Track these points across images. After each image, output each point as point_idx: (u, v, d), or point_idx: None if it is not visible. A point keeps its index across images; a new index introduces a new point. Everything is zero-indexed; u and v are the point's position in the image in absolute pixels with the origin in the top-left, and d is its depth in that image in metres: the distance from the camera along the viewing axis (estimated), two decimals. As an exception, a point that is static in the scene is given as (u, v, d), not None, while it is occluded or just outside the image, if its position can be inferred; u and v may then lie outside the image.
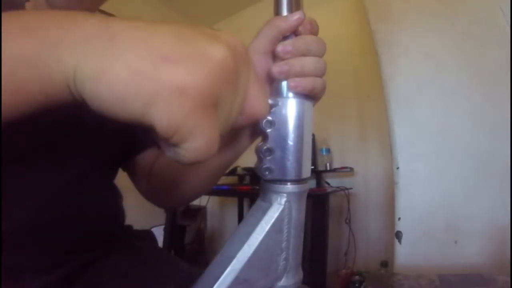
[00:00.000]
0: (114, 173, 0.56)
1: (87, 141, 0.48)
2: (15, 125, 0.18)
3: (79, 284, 0.44)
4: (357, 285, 1.28)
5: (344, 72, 1.86)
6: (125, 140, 0.53)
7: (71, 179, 0.44)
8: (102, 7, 0.55)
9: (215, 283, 0.21)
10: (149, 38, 0.17)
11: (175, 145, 0.17)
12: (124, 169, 0.58)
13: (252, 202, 2.06)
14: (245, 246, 0.23)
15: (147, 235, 0.60)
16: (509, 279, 0.75)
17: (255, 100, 0.22)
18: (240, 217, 2.09)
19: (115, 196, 0.55)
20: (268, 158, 0.25)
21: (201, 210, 2.13)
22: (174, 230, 1.90)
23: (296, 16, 0.28)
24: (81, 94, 0.17)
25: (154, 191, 0.53)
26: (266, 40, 0.29)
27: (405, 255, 1.09)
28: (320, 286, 1.50)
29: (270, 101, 0.25)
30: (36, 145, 0.42)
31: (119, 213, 0.55)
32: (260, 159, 0.26)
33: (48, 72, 0.17)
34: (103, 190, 0.51)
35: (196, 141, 0.17)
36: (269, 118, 0.25)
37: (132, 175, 0.56)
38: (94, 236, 0.47)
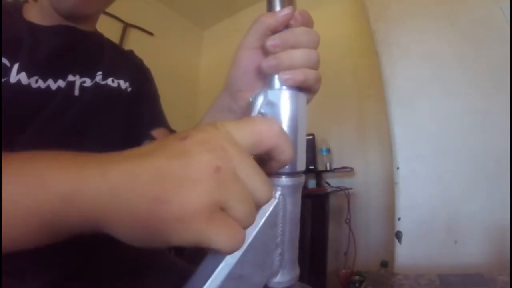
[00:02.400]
0: None
1: (85, 140, 0.48)
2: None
3: (79, 283, 0.44)
4: (357, 285, 1.28)
5: (344, 72, 1.86)
6: (121, 136, 0.54)
7: None
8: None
9: (209, 277, 0.21)
10: (140, 186, 0.18)
11: (210, 246, 0.18)
12: None
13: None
14: None
15: None
16: (509, 279, 0.75)
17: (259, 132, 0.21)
18: (240, 217, 2.08)
19: None
20: None
21: (201, 210, 2.13)
22: (174, 230, 1.90)
23: (284, 12, 0.27)
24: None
25: None
26: (255, 36, 0.30)
27: (405, 255, 1.09)
28: (320, 286, 1.50)
29: (261, 94, 0.25)
30: (34, 145, 0.42)
31: None
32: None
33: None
34: None
35: (220, 242, 0.18)
36: (262, 110, 0.25)
37: None
38: (93, 236, 0.47)
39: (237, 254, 0.22)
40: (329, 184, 1.77)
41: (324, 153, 1.78)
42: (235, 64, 0.33)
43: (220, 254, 0.21)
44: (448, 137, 1.11)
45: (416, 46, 1.19)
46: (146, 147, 0.20)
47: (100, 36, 0.60)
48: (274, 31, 0.28)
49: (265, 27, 0.29)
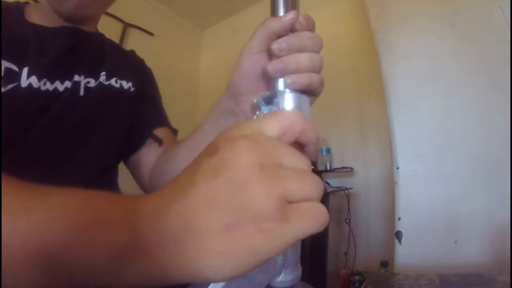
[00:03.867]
0: (115, 170, 0.57)
1: (89, 139, 0.48)
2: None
3: None
4: (357, 285, 1.27)
5: (344, 72, 1.86)
6: (126, 132, 0.55)
7: (69, 178, 0.45)
8: None
9: None
10: (202, 223, 0.17)
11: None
12: (127, 166, 0.59)
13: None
14: None
15: None
16: (509, 279, 0.75)
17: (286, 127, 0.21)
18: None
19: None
20: None
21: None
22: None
23: (289, 16, 0.28)
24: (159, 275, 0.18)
25: (156, 187, 0.54)
26: (260, 40, 0.30)
27: (405, 255, 1.09)
28: (320, 286, 1.50)
29: (266, 94, 0.26)
30: (40, 144, 0.42)
31: None
32: None
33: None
34: (102, 187, 0.52)
35: (310, 229, 0.17)
36: (265, 112, 0.26)
37: (135, 171, 0.58)
38: None
39: None
40: (329, 184, 1.77)
41: (324, 153, 1.78)
42: (239, 67, 0.33)
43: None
44: (448, 137, 1.10)
45: (416, 46, 1.19)
46: (179, 178, 0.19)
47: (101, 37, 0.61)
48: (279, 36, 0.29)
49: (270, 31, 0.29)
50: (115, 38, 1.91)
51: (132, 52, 0.67)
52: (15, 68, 0.42)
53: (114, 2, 0.55)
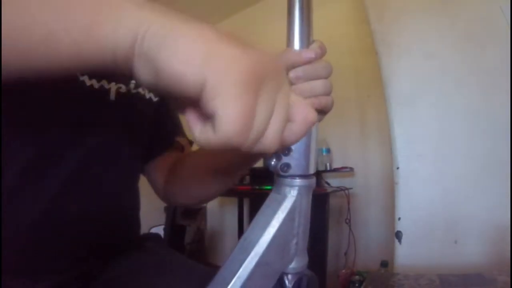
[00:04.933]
0: (137, 174, 0.58)
1: (113, 139, 0.49)
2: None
3: (96, 282, 0.45)
4: (357, 285, 1.28)
5: (344, 72, 1.85)
6: (149, 139, 0.55)
7: (94, 178, 0.45)
8: None
9: (241, 265, 0.25)
10: (214, 30, 0.19)
11: (213, 110, 0.18)
12: (144, 172, 0.60)
13: (252, 202, 2.06)
14: (266, 233, 0.27)
15: (155, 237, 0.63)
16: (509, 279, 0.75)
17: (301, 107, 0.22)
18: (240, 217, 2.08)
19: (135, 200, 0.57)
20: (287, 156, 0.29)
21: (201, 210, 2.13)
22: (174, 230, 1.90)
23: (309, 54, 0.31)
24: (140, 59, 0.19)
25: (171, 191, 0.56)
26: None
27: (405, 255, 1.09)
28: (320, 286, 1.49)
29: None
30: (60, 142, 0.42)
31: (137, 220, 0.57)
32: (279, 157, 0.30)
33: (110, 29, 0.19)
34: (124, 192, 0.53)
35: (233, 108, 0.17)
36: None
37: (151, 175, 0.59)
38: (111, 240, 0.48)
39: (265, 244, 0.26)
40: (329, 184, 1.77)
41: (324, 153, 1.78)
42: None
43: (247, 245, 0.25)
44: (448, 136, 1.11)
45: (416, 46, 1.19)
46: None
47: None
48: (296, 66, 0.32)
49: (290, 64, 0.32)
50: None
51: None
52: None
53: None
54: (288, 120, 0.21)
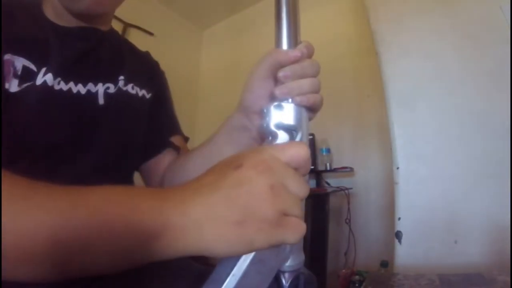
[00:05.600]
0: (131, 175, 0.57)
1: (108, 143, 0.48)
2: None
3: (96, 282, 0.45)
4: (357, 285, 1.27)
5: (343, 72, 1.86)
6: (144, 141, 0.55)
7: (90, 178, 0.45)
8: None
9: (236, 263, 0.25)
10: (220, 215, 0.23)
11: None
12: (139, 170, 0.59)
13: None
14: None
15: None
16: (509, 279, 0.75)
17: (295, 155, 0.26)
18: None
19: None
20: None
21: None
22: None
23: (295, 53, 0.33)
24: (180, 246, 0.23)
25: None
26: (267, 68, 0.36)
27: (405, 255, 1.09)
28: (320, 286, 1.49)
29: (275, 104, 0.31)
30: (56, 145, 0.42)
31: None
32: None
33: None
34: None
35: (292, 237, 0.24)
36: (278, 120, 0.30)
37: (146, 176, 0.59)
38: None
39: None
40: (329, 184, 1.77)
41: (324, 153, 1.77)
42: (249, 90, 0.39)
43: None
44: (448, 137, 1.11)
45: (416, 45, 1.19)
46: (205, 178, 0.25)
47: (117, 36, 0.60)
48: (284, 65, 0.34)
49: (276, 62, 0.34)
50: (115, 38, 1.91)
51: (147, 54, 0.66)
52: (33, 67, 0.42)
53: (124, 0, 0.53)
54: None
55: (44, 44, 0.44)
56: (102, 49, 0.51)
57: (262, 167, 0.24)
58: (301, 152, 0.26)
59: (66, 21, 0.48)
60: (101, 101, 0.48)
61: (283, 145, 0.28)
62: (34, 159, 0.40)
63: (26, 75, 0.40)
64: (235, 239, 0.23)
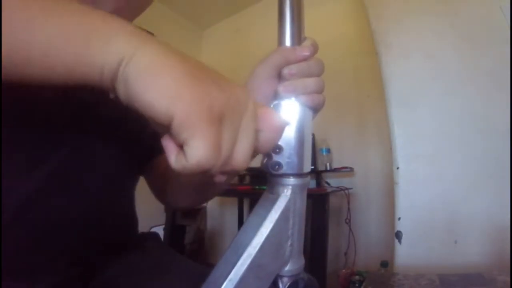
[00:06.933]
0: (137, 177, 0.57)
1: (113, 141, 0.48)
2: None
3: (95, 282, 0.45)
4: (357, 285, 1.28)
5: (344, 72, 1.85)
6: (147, 140, 0.55)
7: (93, 178, 0.45)
8: None
9: (233, 267, 0.24)
10: (186, 62, 0.22)
11: (183, 142, 0.20)
12: (143, 172, 0.59)
13: (252, 202, 2.06)
14: (258, 233, 0.26)
15: (154, 236, 0.62)
16: (509, 279, 0.75)
17: (267, 117, 0.25)
18: (240, 217, 2.08)
19: (131, 197, 0.56)
20: (277, 154, 0.29)
21: (201, 210, 2.13)
22: (174, 230, 1.90)
23: (304, 52, 0.32)
24: (120, 81, 0.21)
25: (168, 192, 0.55)
26: (273, 66, 0.34)
27: (405, 255, 1.09)
28: (320, 286, 1.49)
29: (274, 103, 0.30)
30: (62, 146, 0.42)
31: (134, 219, 0.57)
32: (269, 156, 0.29)
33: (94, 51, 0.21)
34: (124, 194, 0.53)
35: (200, 140, 0.20)
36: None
37: (148, 176, 0.59)
38: (110, 239, 0.48)
39: (257, 245, 0.25)
40: (329, 184, 1.77)
41: (324, 153, 1.78)
42: (254, 89, 0.38)
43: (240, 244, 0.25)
44: (448, 137, 1.11)
45: (416, 46, 1.19)
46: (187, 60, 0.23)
47: None
48: (290, 63, 0.33)
49: (284, 60, 0.33)
50: (115, 38, 1.90)
51: None
52: None
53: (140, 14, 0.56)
54: (258, 130, 0.25)
55: None
56: None
57: (245, 94, 0.24)
58: (276, 118, 0.26)
59: None
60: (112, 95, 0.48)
61: (265, 105, 0.27)
62: (30, 142, 0.40)
63: None
64: (181, 86, 0.20)
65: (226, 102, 0.22)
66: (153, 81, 0.20)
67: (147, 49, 0.21)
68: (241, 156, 0.23)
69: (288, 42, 0.32)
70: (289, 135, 0.30)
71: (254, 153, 0.26)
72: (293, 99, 0.31)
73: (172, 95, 0.20)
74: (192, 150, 0.20)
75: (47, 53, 0.21)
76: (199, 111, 0.20)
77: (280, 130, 0.26)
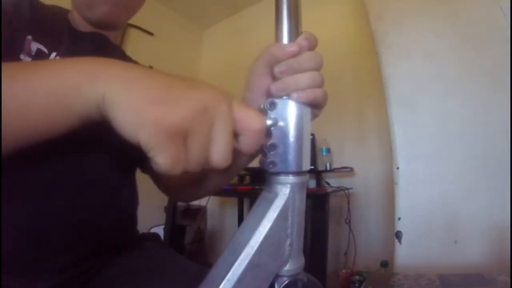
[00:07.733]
0: (133, 172, 0.58)
1: (110, 141, 0.49)
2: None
3: (95, 281, 0.45)
4: (357, 285, 1.28)
5: (343, 72, 1.86)
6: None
7: (93, 177, 0.45)
8: None
9: (231, 268, 0.24)
10: (148, 86, 0.24)
11: (151, 158, 0.23)
12: (145, 170, 0.60)
13: (252, 202, 2.06)
14: (257, 233, 0.25)
15: (154, 236, 0.62)
16: (509, 279, 0.75)
17: (244, 119, 0.26)
18: (240, 217, 2.08)
19: (133, 198, 0.57)
20: (272, 153, 0.28)
21: (201, 210, 2.13)
22: (174, 230, 1.90)
23: (292, 48, 0.31)
24: (104, 113, 0.24)
25: (173, 186, 0.56)
26: (264, 64, 0.34)
27: (405, 255, 1.09)
28: (320, 286, 1.49)
29: (268, 102, 0.29)
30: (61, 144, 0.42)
31: (134, 219, 0.57)
32: (264, 154, 0.29)
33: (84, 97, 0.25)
34: (120, 189, 0.53)
35: (163, 157, 0.23)
36: (272, 116, 0.29)
37: (151, 174, 0.59)
38: (110, 239, 0.48)
39: (256, 245, 0.25)
40: (329, 184, 1.77)
41: (324, 153, 1.77)
42: (249, 88, 0.38)
43: (238, 245, 0.25)
44: (448, 137, 1.11)
45: (416, 46, 1.19)
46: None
47: (123, 53, 0.64)
48: (281, 61, 0.32)
49: (272, 57, 0.32)
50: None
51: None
52: (45, 50, 0.46)
53: (136, 12, 0.60)
54: (237, 134, 0.26)
55: (59, 37, 0.50)
56: (107, 52, 0.54)
57: (217, 95, 0.25)
58: (254, 121, 0.26)
59: (82, 27, 0.54)
60: None
61: (245, 108, 0.27)
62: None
63: (38, 56, 0.46)
64: (140, 112, 0.23)
65: (189, 115, 0.23)
66: (120, 115, 0.23)
67: (112, 88, 0.24)
68: (218, 157, 0.25)
69: (285, 38, 0.32)
70: (284, 133, 0.29)
71: (244, 154, 0.27)
72: (287, 96, 0.31)
73: (134, 124, 0.23)
74: (157, 164, 0.23)
75: (27, 108, 0.25)
76: (158, 134, 0.22)
77: (259, 132, 0.26)
